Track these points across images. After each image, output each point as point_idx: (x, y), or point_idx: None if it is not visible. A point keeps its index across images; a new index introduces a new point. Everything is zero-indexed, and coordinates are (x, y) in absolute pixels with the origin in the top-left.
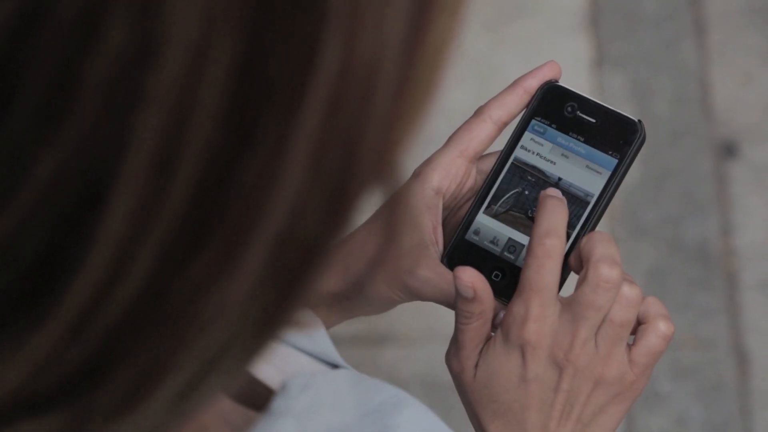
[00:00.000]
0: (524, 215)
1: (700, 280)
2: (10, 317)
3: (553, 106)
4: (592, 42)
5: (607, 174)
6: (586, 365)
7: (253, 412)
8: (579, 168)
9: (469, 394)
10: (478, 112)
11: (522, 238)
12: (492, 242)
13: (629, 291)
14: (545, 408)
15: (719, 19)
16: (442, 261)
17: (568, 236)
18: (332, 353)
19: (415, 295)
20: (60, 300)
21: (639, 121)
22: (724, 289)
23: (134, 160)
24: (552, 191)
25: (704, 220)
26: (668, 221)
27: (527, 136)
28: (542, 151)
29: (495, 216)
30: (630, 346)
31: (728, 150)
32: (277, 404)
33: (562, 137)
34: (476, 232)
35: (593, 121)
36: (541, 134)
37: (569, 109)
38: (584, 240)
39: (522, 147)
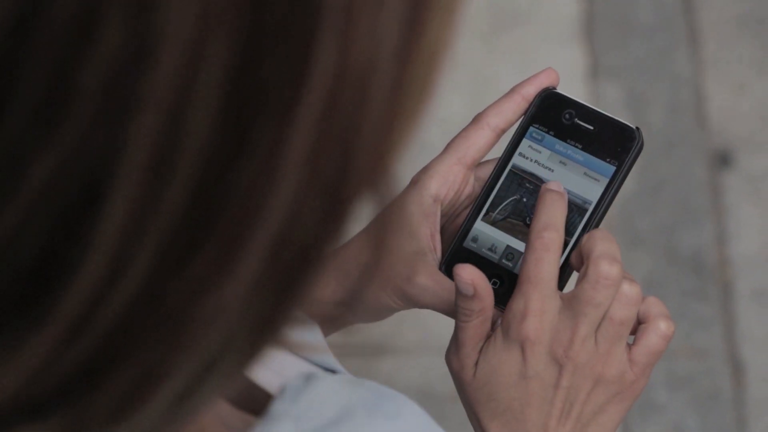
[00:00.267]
0: (522, 222)
1: (695, 290)
2: (9, 320)
3: (551, 113)
4: (587, 51)
5: (605, 181)
6: (585, 363)
7: (252, 416)
8: (577, 175)
9: (468, 393)
10: (476, 119)
11: (520, 246)
12: (490, 249)
13: (629, 289)
14: (545, 406)
15: (714, 29)
16: (440, 268)
17: (566, 244)
18: (329, 358)
19: (413, 302)
20: (58, 302)
21: (637, 128)
22: (719, 299)
23: (131, 161)
24: (553, 184)
25: (699, 229)
26: (663, 230)
27: (525, 143)
28: (540, 158)
29: (493, 223)
30: (630, 346)
31: (723, 159)
32: (275, 408)
33: (560, 144)
34: (474, 240)
35: (591, 128)
36: (539, 141)
37: (567, 116)
38: (585, 237)
39: (520, 154)
